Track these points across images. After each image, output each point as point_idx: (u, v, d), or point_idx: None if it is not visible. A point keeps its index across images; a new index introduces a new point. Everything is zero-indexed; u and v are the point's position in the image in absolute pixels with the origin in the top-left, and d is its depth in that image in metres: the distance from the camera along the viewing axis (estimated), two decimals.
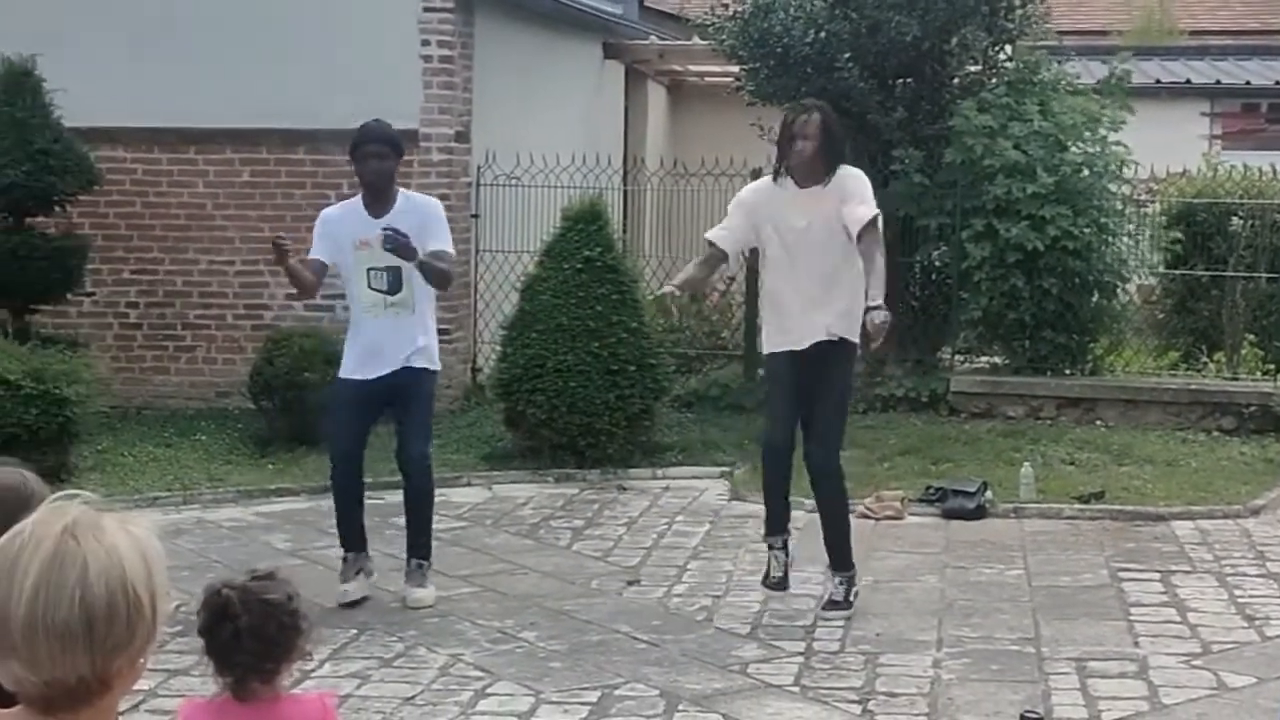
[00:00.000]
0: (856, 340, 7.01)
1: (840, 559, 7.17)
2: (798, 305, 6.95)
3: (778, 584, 7.21)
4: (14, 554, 1.74)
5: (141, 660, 1.81)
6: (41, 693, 1.75)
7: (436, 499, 9.38)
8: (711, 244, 7.18)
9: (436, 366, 7.38)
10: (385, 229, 6.95)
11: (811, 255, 6.91)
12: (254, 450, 10.48)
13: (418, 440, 7.26)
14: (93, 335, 11.54)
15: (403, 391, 7.18)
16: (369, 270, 7.16)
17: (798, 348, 6.96)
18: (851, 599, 7.13)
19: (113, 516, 1.81)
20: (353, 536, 7.35)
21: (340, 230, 7.24)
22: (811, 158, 6.88)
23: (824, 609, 7.08)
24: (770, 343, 7.14)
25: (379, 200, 7.21)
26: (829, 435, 7.12)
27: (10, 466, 2.65)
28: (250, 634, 2.60)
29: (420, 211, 7.24)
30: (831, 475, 7.18)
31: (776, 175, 7.05)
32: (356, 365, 7.24)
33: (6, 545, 1.76)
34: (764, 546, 7.82)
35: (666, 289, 7.41)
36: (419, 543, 7.33)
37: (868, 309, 6.74)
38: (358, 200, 7.34)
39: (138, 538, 1.80)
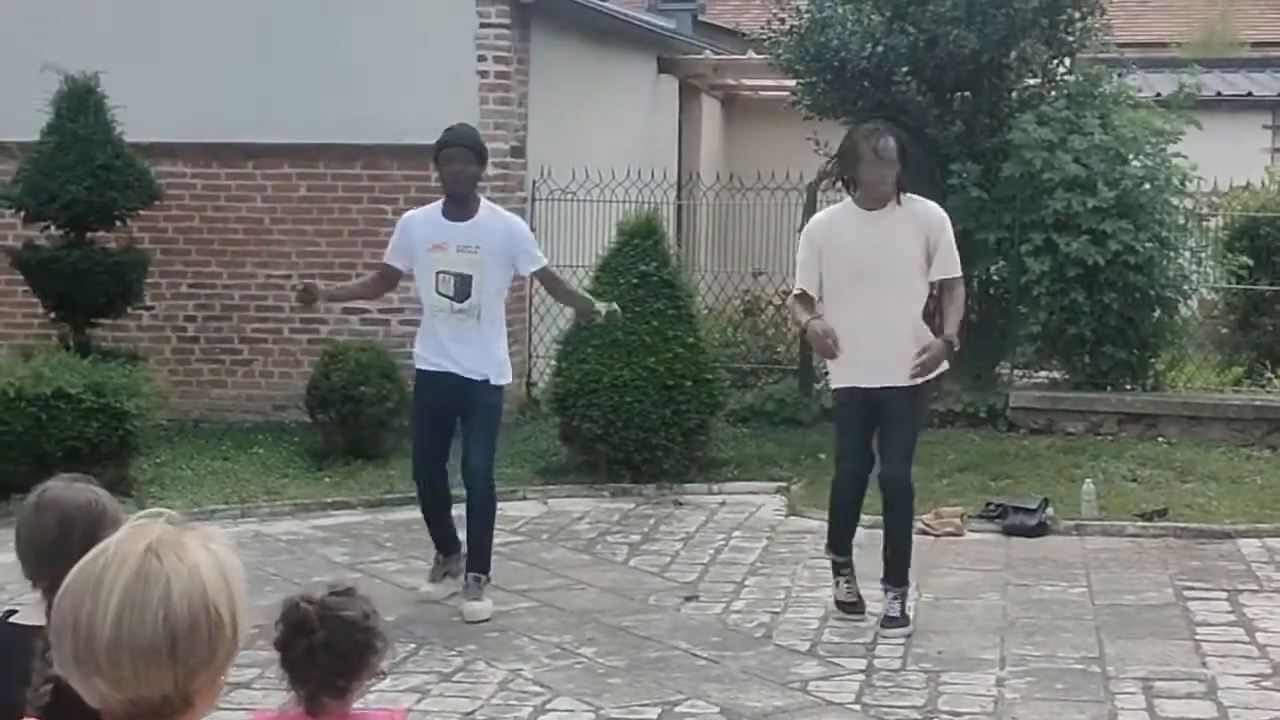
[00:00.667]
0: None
1: (903, 575, 7.10)
2: (866, 337, 6.86)
3: (853, 607, 7.16)
4: (98, 573, 1.74)
5: (222, 678, 1.80)
6: (126, 710, 1.74)
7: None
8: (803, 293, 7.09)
9: (504, 380, 7.35)
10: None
11: (877, 281, 6.85)
12: (310, 464, 10.51)
13: (479, 453, 7.25)
14: (151, 349, 11.60)
15: (469, 401, 7.19)
16: (438, 274, 7.17)
17: (869, 385, 6.91)
18: (909, 614, 7.06)
19: (194, 534, 1.80)
20: (440, 539, 7.52)
21: (417, 234, 7.28)
22: (893, 183, 6.83)
23: (884, 626, 7.01)
24: (837, 377, 7.11)
25: (459, 205, 7.21)
26: (904, 451, 7.04)
27: (81, 483, 2.65)
28: (325, 650, 2.59)
29: (508, 228, 7.28)
30: (907, 491, 7.10)
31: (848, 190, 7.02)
32: (427, 355, 7.30)
33: (90, 564, 1.76)
34: (821, 561, 7.78)
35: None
36: (477, 557, 7.31)
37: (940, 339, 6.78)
38: (437, 205, 7.35)
39: (219, 556, 1.79)
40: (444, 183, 7.29)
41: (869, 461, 7.09)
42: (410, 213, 7.62)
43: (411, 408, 7.61)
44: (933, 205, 7.08)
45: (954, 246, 7.00)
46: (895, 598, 7.08)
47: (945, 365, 6.99)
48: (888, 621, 7.03)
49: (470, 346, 7.18)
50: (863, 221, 6.91)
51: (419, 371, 7.42)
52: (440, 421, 7.32)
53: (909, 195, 6.97)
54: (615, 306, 7.92)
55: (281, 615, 2.65)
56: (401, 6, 11.73)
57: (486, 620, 7.15)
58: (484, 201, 7.37)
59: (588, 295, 7.40)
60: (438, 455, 7.36)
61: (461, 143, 7.24)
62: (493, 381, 7.24)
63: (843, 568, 7.19)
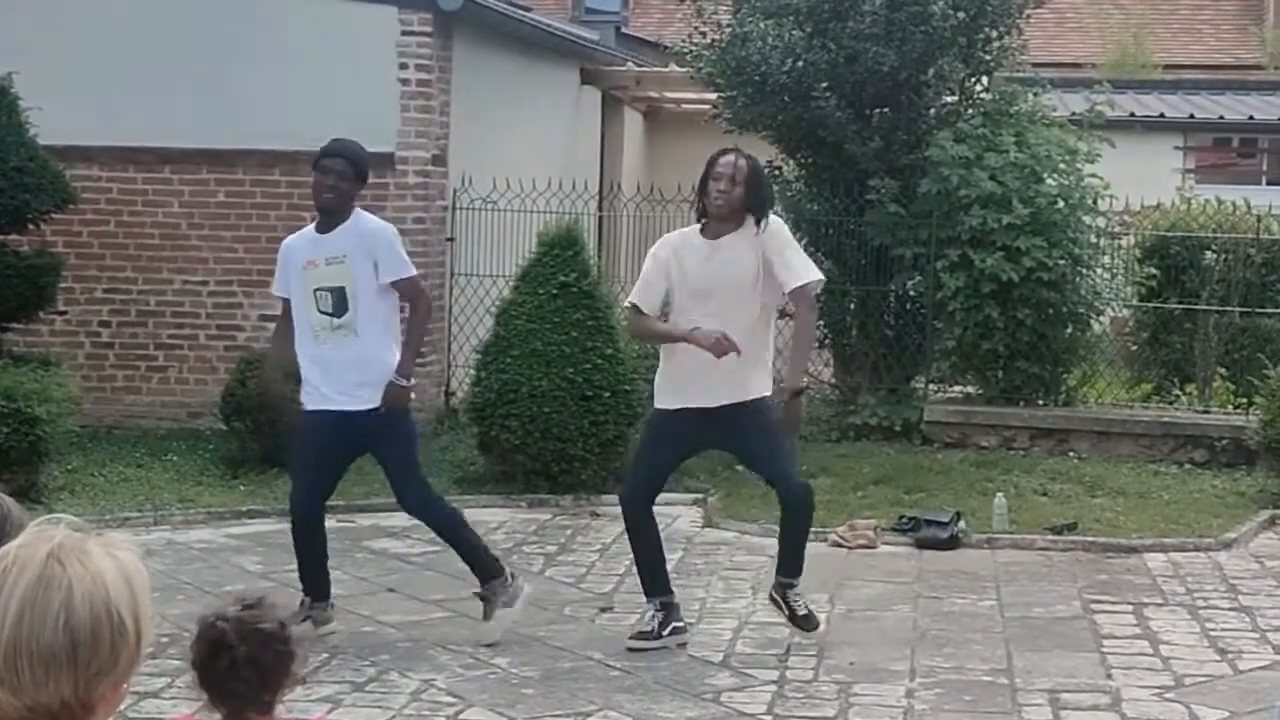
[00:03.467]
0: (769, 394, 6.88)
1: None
2: (699, 361, 6.71)
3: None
4: None
5: (125, 685, 1.79)
6: (23, 717, 1.73)
7: (409, 522, 9.39)
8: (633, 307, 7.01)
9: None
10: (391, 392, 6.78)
11: (724, 306, 6.70)
12: (225, 471, 10.43)
13: (407, 487, 7.05)
14: (64, 354, 11.46)
15: (374, 434, 6.88)
16: (315, 291, 6.86)
17: (704, 405, 6.76)
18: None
19: (97, 540, 1.79)
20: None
21: (292, 256, 6.99)
22: (734, 202, 6.69)
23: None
24: (663, 399, 6.94)
25: (328, 217, 6.89)
26: (790, 458, 7.02)
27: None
28: (248, 664, 2.58)
29: (367, 237, 6.87)
30: (811, 497, 7.09)
31: (699, 220, 6.86)
32: (313, 394, 6.92)
33: None
34: (736, 573, 7.85)
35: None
36: (474, 573, 7.11)
37: (786, 391, 6.71)
38: (312, 225, 7.07)
39: (122, 562, 1.78)
40: (313, 194, 6.98)
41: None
42: (287, 239, 7.26)
43: (293, 447, 7.13)
44: (770, 220, 6.88)
45: (797, 252, 6.84)
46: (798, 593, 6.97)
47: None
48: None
49: (350, 364, 6.80)
50: (706, 245, 6.79)
51: (305, 411, 6.95)
52: (325, 464, 7.02)
53: (767, 221, 6.81)
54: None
55: (197, 634, 2.63)
56: (323, 13, 11.68)
57: (495, 643, 6.93)
58: (357, 212, 6.96)
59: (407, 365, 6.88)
60: (319, 498, 7.08)
61: (335, 153, 6.93)
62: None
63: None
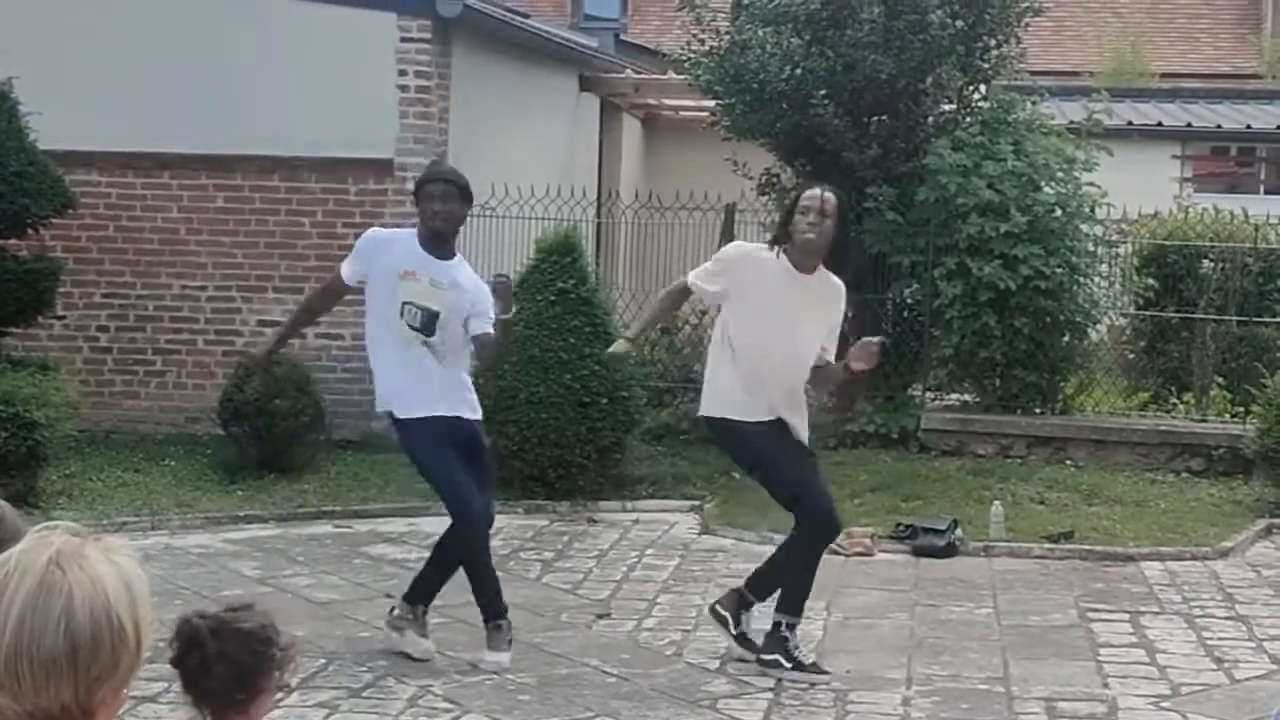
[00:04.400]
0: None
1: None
2: (760, 387, 6.70)
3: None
4: None
5: (125, 690, 1.80)
6: None
7: (406, 528, 9.42)
8: (688, 289, 6.92)
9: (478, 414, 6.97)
10: (500, 276, 6.68)
11: (784, 346, 6.64)
12: (223, 477, 10.43)
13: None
14: (63, 358, 11.45)
15: (475, 444, 6.84)
16: (406, 304, 6.69)
17: (768, 417, 6.75)
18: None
19: (97, 545, 1.80)
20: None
21: (382, 255, 6.78)
22: (825, 234, 6.56)
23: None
24: (739, 411, 6.77)
25: (440, 243, 6.75)
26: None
27: None
28: (221, 662, 2.58)
29: (476, 286, 6.77)
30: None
31: (774, 246, 6.71)
32: (421, 401, 6.72)
33: None
34: (734, 580, 7.82)
35: (620, 349, 7.29)
36: (480, 603, 6.94)
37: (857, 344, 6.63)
38: (413, 236, 6.82)
39: (122, 567, 1.79)
40: (426, 218, 6.73)
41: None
42: (379, 229, 7.07)
43: (428, 452, 6.82)
44: (838, 281, 6.81)
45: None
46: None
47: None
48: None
49: (439, 379, 6.71)
50: (790, 279, 6.66)
51: (419, 419, 6.73)
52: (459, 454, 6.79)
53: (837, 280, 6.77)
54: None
55: (175, 633, 2.63)
56: (323, 19, 11.69)
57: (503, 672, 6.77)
58: (460, 255, 6.93)
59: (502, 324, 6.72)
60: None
61: (450, 179, 6.82)
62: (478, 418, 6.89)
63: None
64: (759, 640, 6.83)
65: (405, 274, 6.71)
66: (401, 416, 6.79)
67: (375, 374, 6.92)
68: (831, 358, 6.73)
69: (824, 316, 6.72)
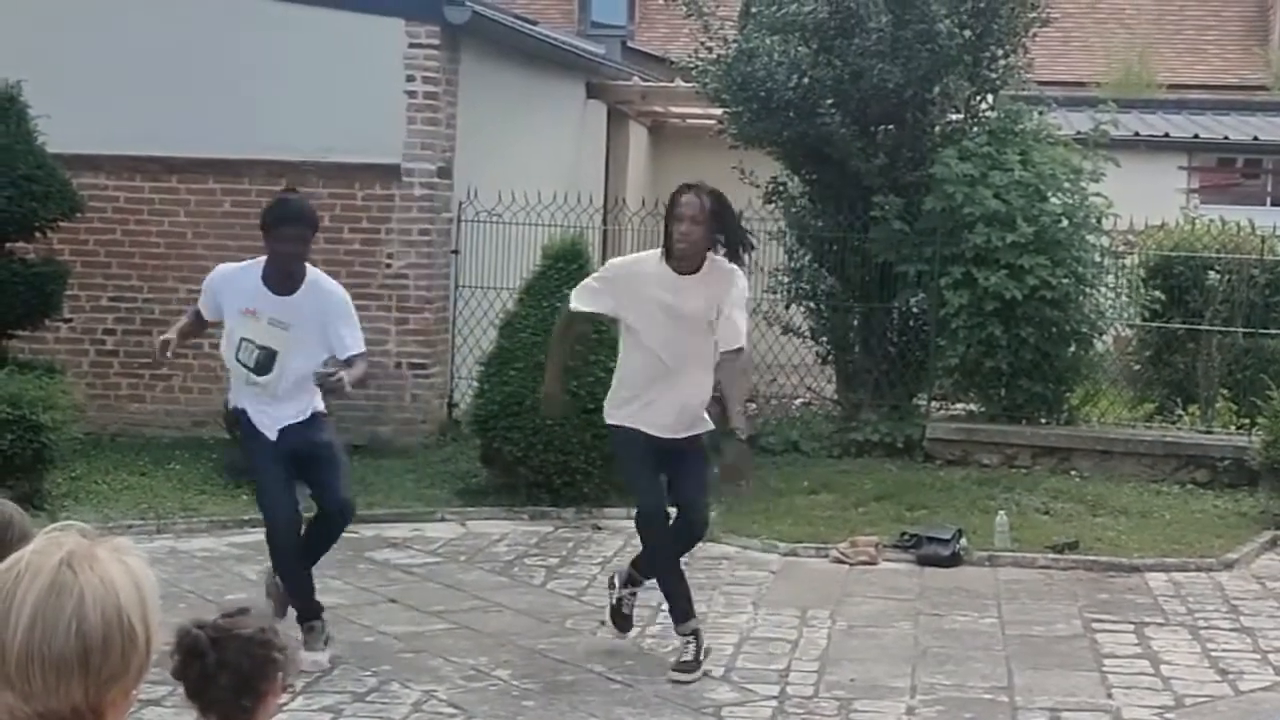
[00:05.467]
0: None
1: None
2: (660, 391, 6.76)
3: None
4: (10, 584, 1.73)
5: (134, 691, 1.80)
6: None
7: (410, 533, 9.43)
8: (573, 314, 7.06)
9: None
10: (319, 373, 6.63)
11: (681, 344, 6.72)
12: (228, 480, 10.43)
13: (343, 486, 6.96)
14: (69, 361, 11.47)
15: (309, 444, 6.87)
16: (242, 340, 6.84)
17: (658, 435, 6.79)
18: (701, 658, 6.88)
19: (107, 547, 1.80)
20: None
21: (231, 293, 6.91)
22: (697, 242, 6.68)
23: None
24: (626, 417, 6.86)
25: (285, 279, 6.80)
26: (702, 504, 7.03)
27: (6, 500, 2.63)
28: (223, 670, 2.57)
29: (326, 300, 6.83)
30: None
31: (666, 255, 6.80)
32: (252, 415, 6.92)
33: (2, 575, 1.75)
34: (738, 588, 7.85)
35: (551, 399, 7.27)
36: (293, 604, 6.92)
37: (733, 437, 6.73)
38: (257, 268, 6.87)
39: (132, 568, 1.80)
40: (274, 257, 6.79)
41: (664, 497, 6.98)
42: (225, 266, 7.16)
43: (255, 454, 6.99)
44: (741, 273, 6.87)
45: (744, 317, 6.83)
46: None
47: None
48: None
49: (270, 408, 6.85)
50: (675, 282, 6.76)
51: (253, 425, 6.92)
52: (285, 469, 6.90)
53: (731, 266, 6.81)
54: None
55: (175, 643, 2.63)
56: (331, 24, 11.71)
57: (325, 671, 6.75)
58: (309, 272, 6.89)
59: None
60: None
61: (298, 218, 6.84)
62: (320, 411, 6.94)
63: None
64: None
65: (245, 312, 6.84)
66: (242, 418, 6.99)
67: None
68: (724, 339, 6.70)
69: (713, 301, 6.73)
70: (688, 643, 6.84)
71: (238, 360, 6.86)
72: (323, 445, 6.94)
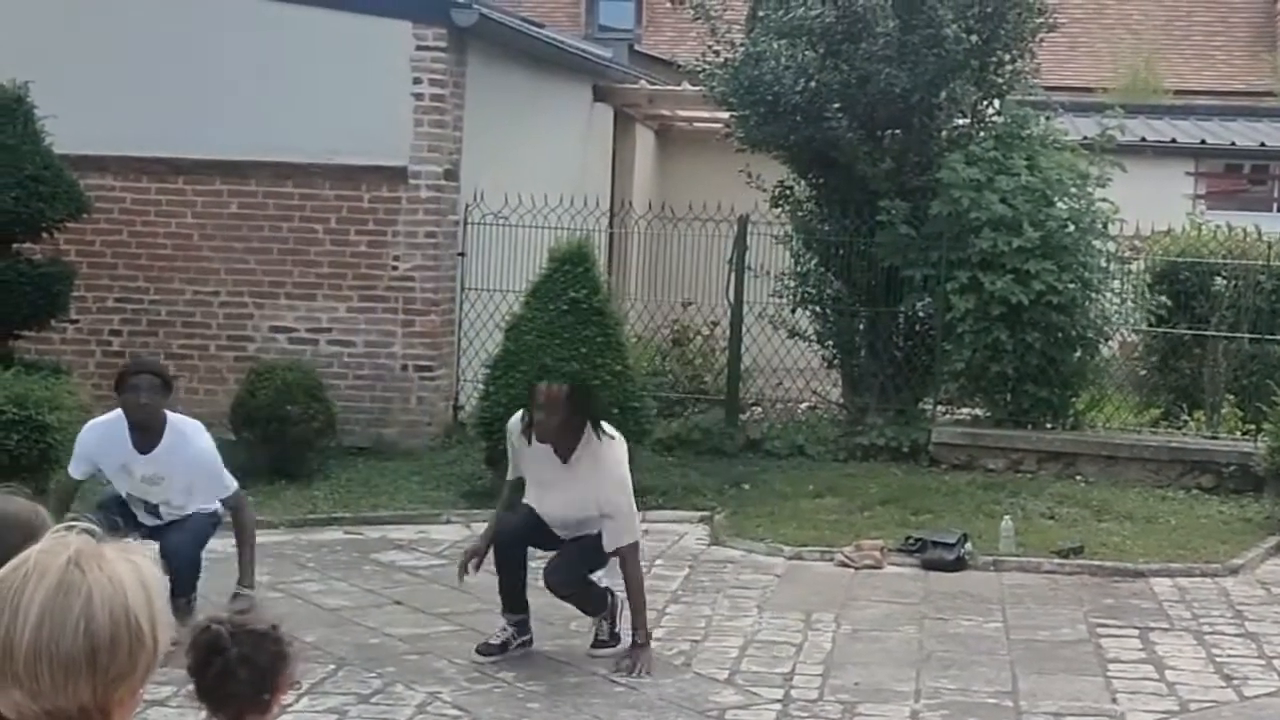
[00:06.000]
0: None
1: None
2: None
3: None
4: (19, 583, 1.74)
5: (140, 690, 1.81)
6: None
7: (416, 535, 9.44)
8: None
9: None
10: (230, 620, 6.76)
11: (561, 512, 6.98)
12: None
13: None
14: (75, 362, 11.50)
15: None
16: (128, 494, 7.10)
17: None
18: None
19: (113, 546, 1.81)
20: None
21: (100, 454, 7.10)
22: (556, 431, 6.85)
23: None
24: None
25: (143, 433, 6.99)
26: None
27: (20, 497, 2.64)
28: (242, 664, 2.59)
29: (188, 448, 7.01)
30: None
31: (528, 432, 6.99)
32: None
33: (10, 575, 1.76)
34: (742, 591, 7.85)
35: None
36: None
37: (634, 645, 6.87)
38: (121, 423, 7.05)
39: (139, 567, 1.80)
40: (128, 410, 6.99)
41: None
42: (90, 427, 7.28)
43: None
44: (616, 447, 6.98)
45: (627, 505, 6.97)
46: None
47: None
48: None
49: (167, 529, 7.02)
50: (551, 461, 6.96)
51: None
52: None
53: (599, 443, 6.92)
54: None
55: (192, 640, 2.64)
56: (339, 27, 11.73)
57: None
58: (170, 423, 7.06)
59: (250, 575, 7.10)
60: None
61: (152, 370, 7.15)
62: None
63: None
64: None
65: (121, 467, 7.07)
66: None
67: None
68: (612, 538, 6.86)
69: (590, 494, 6.86)
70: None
71: (134, 509, 7.10)
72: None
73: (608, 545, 6.87)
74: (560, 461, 6.92)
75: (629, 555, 6.90)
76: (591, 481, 6.85)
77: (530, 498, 7.09)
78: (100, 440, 7.14)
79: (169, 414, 7.09)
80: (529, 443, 6.98)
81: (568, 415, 6.82)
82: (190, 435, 7.07)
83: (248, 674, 2.59)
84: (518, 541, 7.09)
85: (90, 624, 1.73)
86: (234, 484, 7.15)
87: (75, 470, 7.25)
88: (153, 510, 7.09)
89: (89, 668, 1.73)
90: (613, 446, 6.93)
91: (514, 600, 7.12)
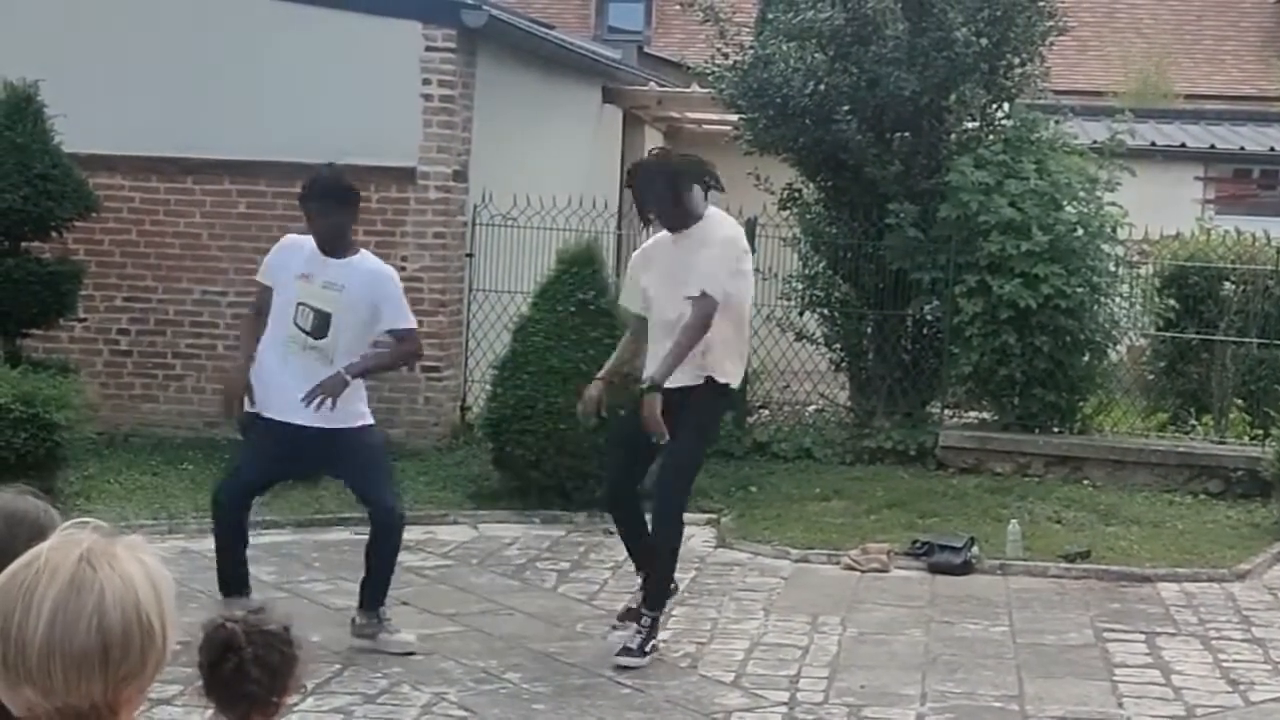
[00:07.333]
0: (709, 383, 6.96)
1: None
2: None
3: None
4: (30, 581, 1.74)
5: (148, 689, 1.81)
6: (52, 719, 1.75)
7: (423, 536, 9.44)
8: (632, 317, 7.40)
9: (364, 421, 7.04)
10: (306, 399, 6.73)
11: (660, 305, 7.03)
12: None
13: (383, 490, 7.04)
14: (83, 361, 11.51)
15: (334, 454, 6.94)
16: (299, 304, 6.91)
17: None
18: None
19: (124, 544, 1.81)
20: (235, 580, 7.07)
21: (288, 257, 7.05)
22: (648, 213, 7.09)
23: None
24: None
25: (333, 249, 6.97)
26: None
27: (29, 495, 2.64)
28: (256, 665, 2.58)
29: (373, 280, 6.97)
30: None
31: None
32: (268, 400, 6.95)
33: (21, 571, 1.76)
34: (749, 594, 7.84)
35: (592, 394, 7.28)
36: (380, 590, 7.11)
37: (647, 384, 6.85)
38: (309, 239, 7.07)
39: (149, 566, 1.80)
40: (311, 232, 7.01)
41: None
42: (291, 236, 7.31)
43: (245, 451, 7.24)
44: (724, 226, 7.18)
45: (717, 267, 6.95)
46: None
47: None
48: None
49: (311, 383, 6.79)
50: (667, 243, 7.20)
51: (257, 417, 6.99)
52: (278, 458, 7.04)
53: (707, 220, 7.12)
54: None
55: (205, 637, 2.63)
56: (348, 27, 11.73)
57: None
58: (361, 251, 7.13)
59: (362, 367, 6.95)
60: (245, 498, 7.11)
61: (324, 194, 6.98)
62: (354, 427, 6.95)
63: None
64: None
65: (301, 276, 6.96)
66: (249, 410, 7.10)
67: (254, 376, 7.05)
68: (703, 288, 6.83)
69: (694, 264, 6.93)
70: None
71: (295, 325, 6.91)
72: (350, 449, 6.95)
73: (693, 289, 6.79)
74: (671, 236, 7.07)
75: (700, 304, 6.82)
76: (698, 255, 6.90)
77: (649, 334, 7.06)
78: (288, 245, 7.15)
79: (363, 250, 7.18)
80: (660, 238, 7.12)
81: (651, 188, 7.00)
82: (375, 265, 7.11)
83: (260, 674, 2.59)
84: (627, 494, 7.17)
85: (103, 622, 1.73)
86: (414, 324, 7.13)
87: (261, 276, 7.22)
88: (320, 326, 6.86)
89: (101, 666, 1.73)
90: (721, 223, 7.12)
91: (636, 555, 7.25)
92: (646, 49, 20.87)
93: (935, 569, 9.00)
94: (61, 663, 1.72)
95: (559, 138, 14.22)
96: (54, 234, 10.76)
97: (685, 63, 15.47)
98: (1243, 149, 17.58)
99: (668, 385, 6.80)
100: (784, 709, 6.48)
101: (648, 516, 7.20)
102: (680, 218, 7.03)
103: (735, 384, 7.23)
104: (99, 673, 1.74)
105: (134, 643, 1.75)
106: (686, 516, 10.10)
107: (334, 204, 6.95)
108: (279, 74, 11.73)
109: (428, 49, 11.67)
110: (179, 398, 12.04)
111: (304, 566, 8.68)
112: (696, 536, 9.72)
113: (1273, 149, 17.52)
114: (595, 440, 9.90)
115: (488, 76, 12.23)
